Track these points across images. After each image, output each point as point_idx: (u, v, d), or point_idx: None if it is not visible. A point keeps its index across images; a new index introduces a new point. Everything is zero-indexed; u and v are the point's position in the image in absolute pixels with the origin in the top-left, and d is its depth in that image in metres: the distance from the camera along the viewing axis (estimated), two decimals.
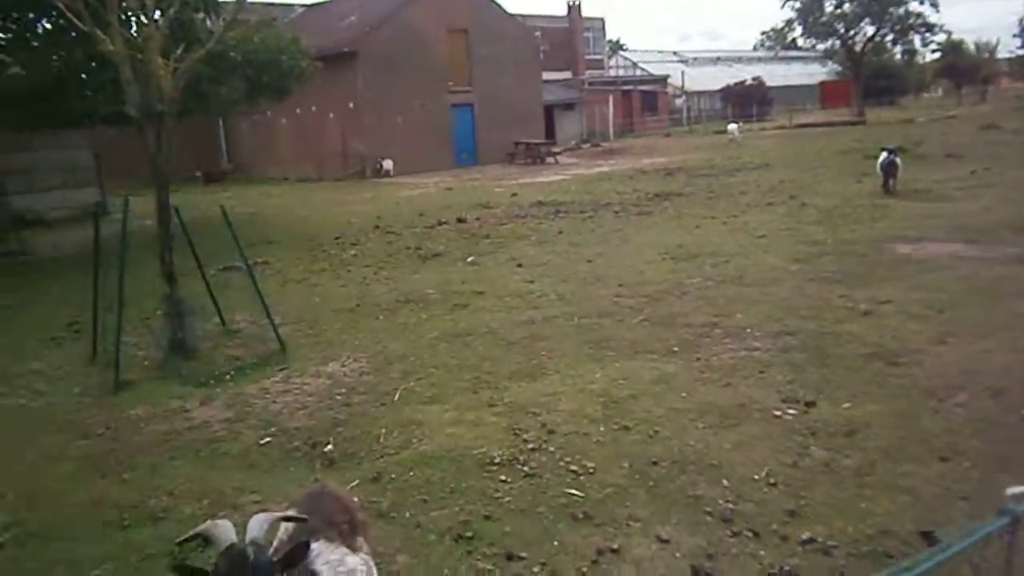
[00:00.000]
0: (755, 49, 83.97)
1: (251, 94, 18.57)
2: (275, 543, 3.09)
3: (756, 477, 5.20)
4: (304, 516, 2.73)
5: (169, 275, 8.33)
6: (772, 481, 5.13)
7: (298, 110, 31.61)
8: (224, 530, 2.45)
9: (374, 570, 3.18)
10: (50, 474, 5.87)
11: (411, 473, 5.44)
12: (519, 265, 11.98)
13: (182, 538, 2.63)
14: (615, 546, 4.52)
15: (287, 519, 2.72)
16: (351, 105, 31.53)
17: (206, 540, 2.53)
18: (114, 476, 5.77)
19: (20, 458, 6.18)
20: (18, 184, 20.39)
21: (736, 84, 58.64)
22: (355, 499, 3.54)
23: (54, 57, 12.83)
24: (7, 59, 12.19)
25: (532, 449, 5.74)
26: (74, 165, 22.87)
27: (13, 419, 7.12)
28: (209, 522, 2.55)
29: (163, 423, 6.74)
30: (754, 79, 58.47)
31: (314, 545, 2.91)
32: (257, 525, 2.50)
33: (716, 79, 61.44)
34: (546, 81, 40.68)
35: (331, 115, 32.23)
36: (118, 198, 22.16)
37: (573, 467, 5.46)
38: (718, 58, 71.85)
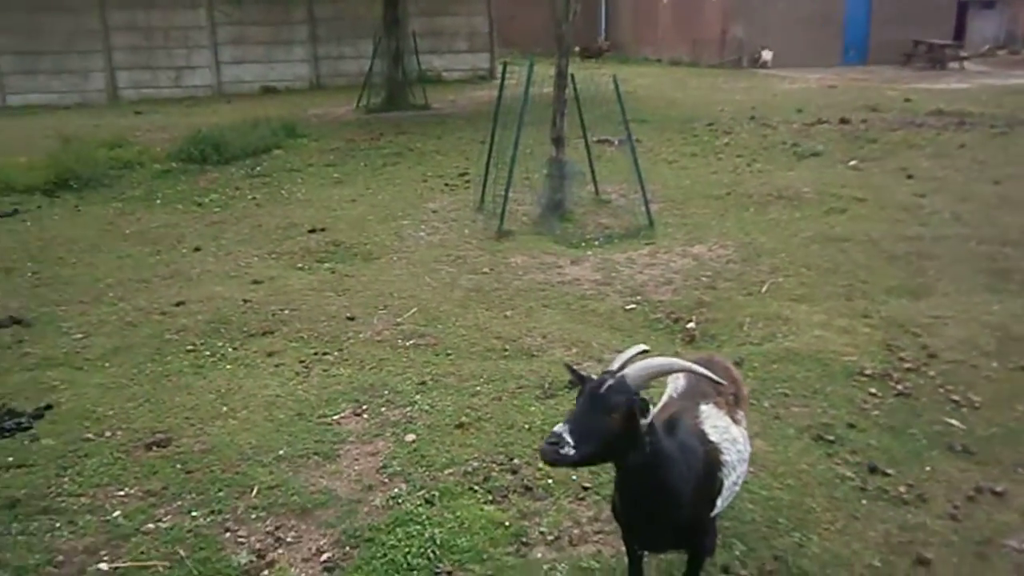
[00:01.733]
0: None
1: None
2: (666, 397, 3.24)
3: None
4: (720, 380, 2.79)
5: (557, 139, 8.78)
6: None
7: None
8: (619, 359, 2.68)
9: (748, 445, 3.21)
10: (445, 298, 6.66)
11: (774, 365, 5.34)
12: (909, 176, 10.87)
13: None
14: (998, 489, 4.11)
15: (689, 370, 2.78)
16: None
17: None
18: (497, 311, 6.41)
19: (422, 281, 7.09)
20: (426, 45, 22.48)
21: None
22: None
23: None
24: None
25: (908, 369, 5.33)
26: (473, 31, 24.68)
27: (418, 249, 8.14)
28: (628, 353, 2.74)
29: (539, 273, 7.28)
30: None
31: (703, 407, 3.00)
32: (636, 369, 2.60)
33: None
34: None
35: None
36: (500, 65, 23.71)
37: (955, 397, 5.01)
38: None
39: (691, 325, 6.13)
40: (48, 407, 4.91)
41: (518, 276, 7.22)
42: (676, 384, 3.10)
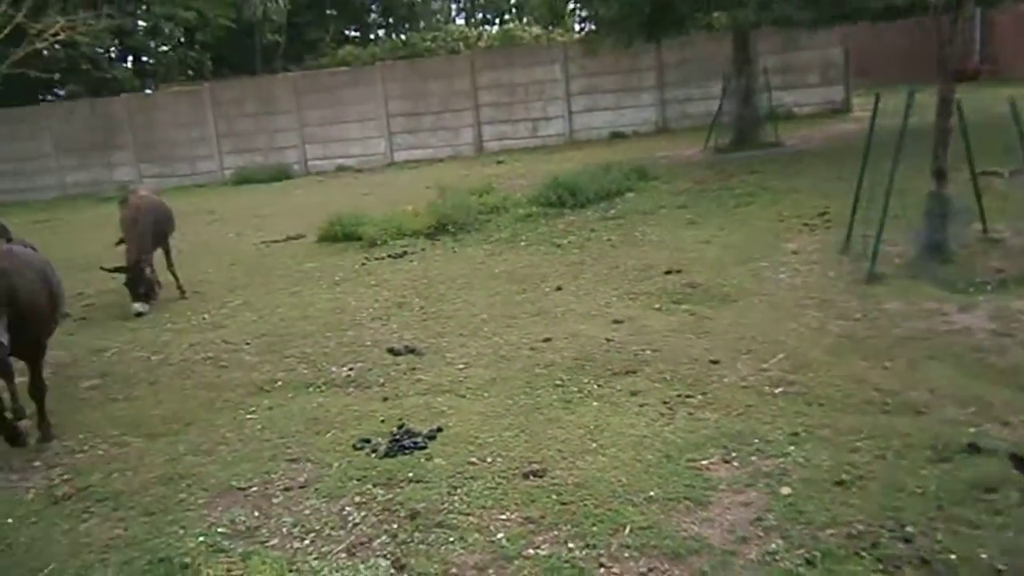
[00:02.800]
0: None
1: None
2: None
3: None
4: None
5: (939, 172, 7.97)
6: None
7: None
8: None
9: None
10: (813, 344, 6.29)
11: None
12: None
13: None
14: None
15: None
16: None
17: None
18: (873, 361, 5.90)
19: (786, 326, 6.78)
20: (776, 80, 21.87)
21: None
22: None
23: None
24: None
25: None
26: (826, 63, 23.54)
27: (778, 291, 7.82)
28: None
29: (920, 321, 6.60)
30: None
31: None
32: None
33: None
34: None
35: None
36: (859, 97, 22.21)
37: None
38: None
39: None
40: (439, 430, 5.42)
41: (895, 323, 6.60)
42: None
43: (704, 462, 4.68)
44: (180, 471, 5.30)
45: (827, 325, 6.70)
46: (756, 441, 4.83)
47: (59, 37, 10.61)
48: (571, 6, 18.79)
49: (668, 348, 6.47)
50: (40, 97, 30.42)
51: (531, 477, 4.72)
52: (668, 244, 10.11)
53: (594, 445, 5.02)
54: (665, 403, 5.55)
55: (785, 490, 4.28)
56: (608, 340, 6.79)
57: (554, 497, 4.46)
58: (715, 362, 6.08)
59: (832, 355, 6.04)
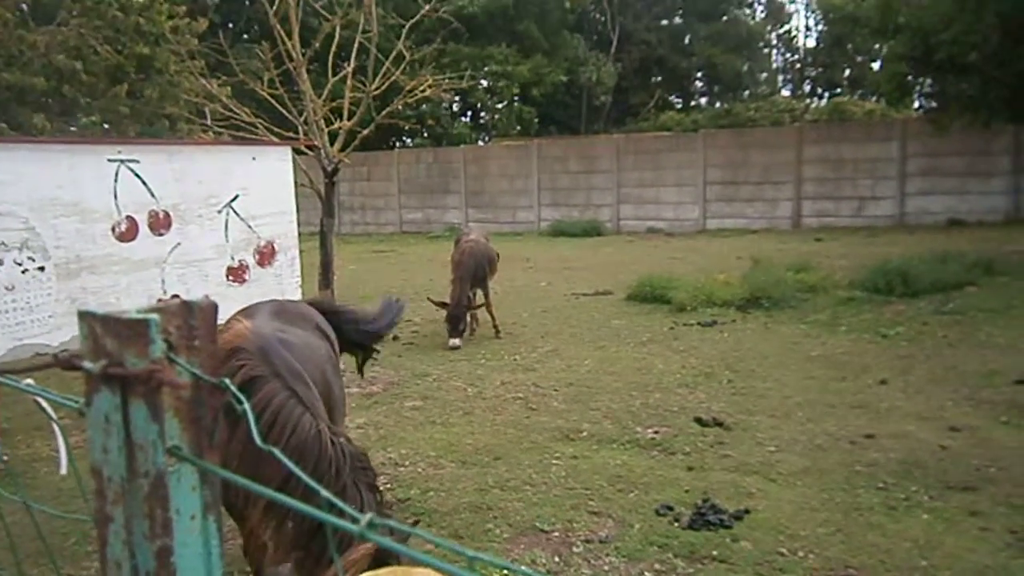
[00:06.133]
0: None
1: None
2: None
3: None
4: None
5: None
6: None
7: None
8: None
9: None
10: None
11: None
12: None
13: None
14: None
15: None
16: None
17: None
18: None
19: None
20: None
21: None
22: None
23: None
24: None
25: None
26: None
27: None
28: None
29: None
30: None
31: None
32: None
33: None
34: None
35: None
36: None
37: None
38: None
39: None
40: (746, 511, 5.18)
41: None
42: None
43: None
44: (488, 502, 5.56)
45: None
46: None
47: (426, 94, 11.76)
48: (919, 81, 17.46)
49: (1020, 470, 5.67)
50: (392, 144, 34.37)
51: None
52: (1020, 349, 8.93)
53: (924, 563, 4.51)
54: (1013, 532, 4.85)
55: None
56: (942, 447, 6.11)
57: None
58: None
59: None
